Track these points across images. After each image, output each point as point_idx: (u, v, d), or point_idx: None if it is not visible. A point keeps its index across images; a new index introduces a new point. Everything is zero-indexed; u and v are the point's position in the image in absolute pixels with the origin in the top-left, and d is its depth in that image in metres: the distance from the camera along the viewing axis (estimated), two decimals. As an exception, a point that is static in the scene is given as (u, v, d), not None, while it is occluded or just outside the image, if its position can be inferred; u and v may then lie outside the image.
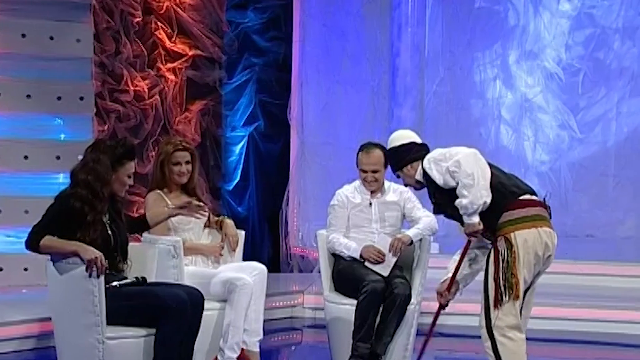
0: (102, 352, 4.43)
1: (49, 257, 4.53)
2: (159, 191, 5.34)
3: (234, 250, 5.43)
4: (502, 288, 4.23)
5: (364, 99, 9.47)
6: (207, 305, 5.06)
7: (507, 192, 4.35)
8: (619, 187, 9.49)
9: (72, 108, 7.73)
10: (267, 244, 9.31)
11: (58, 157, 7.53)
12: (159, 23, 8.59)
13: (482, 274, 4.50)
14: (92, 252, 4.38)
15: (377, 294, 5.29)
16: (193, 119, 8.87)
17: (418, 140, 4.80)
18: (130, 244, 4.80)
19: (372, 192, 5.67)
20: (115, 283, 4.52)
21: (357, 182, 5.72)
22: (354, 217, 5.65)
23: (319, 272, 5.81)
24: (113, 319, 4.47)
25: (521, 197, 4.36)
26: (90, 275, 4.36)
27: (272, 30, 9.35)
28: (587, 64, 9.54)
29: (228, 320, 5.07)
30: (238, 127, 9.32)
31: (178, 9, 8.70)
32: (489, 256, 4.37)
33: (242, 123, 9.32)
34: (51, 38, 7.67)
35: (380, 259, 5.49)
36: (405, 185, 4.87)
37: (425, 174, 4.52)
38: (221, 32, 9.02)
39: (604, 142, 9.55)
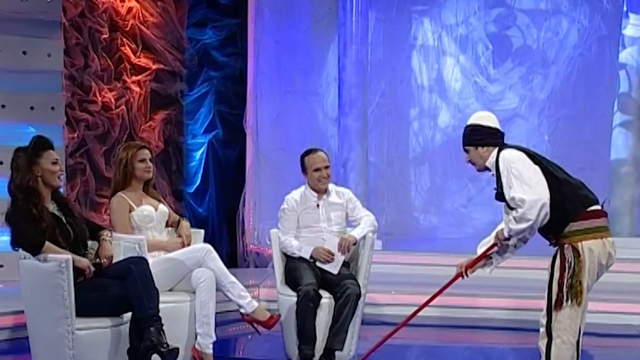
0: (72, 342, 4.42)
1: (22, 255, 4.50)
2: (121, 194, 5.32)
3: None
4: (565, 293, 4.16)
5: (313, 109, 9.54)
6: (176, 297, 5.08)
7: (577, 203, 4.23)
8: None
9: (44, 117, 7.68)
10: (225, 242, 9.29)
11: (31, 164, 7.47)
12: (124, 39, 8.57)
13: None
14: (85, 262, 4.49)
15: (309, 297, 5.31)
16: (157, 128, 8.86)
17: (501, 129, 4.42)
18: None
19: (318, 193, 5.69)
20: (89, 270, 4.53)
21: (303, 187, 5.73)
22: (304, 218, 5.67)
23: (273, 267, 5.82)
24: (82, 310, 4.44)
25: (589, 209, 4.24)
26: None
27: (229, 46, 9.37)
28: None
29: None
30: (198, 135, 9.32)
31: (142, 27, 8.68)
32: (554, 261, 4.24)
33: (202, 131, 9.32)
34: (24, 53, 7.62)
35: (330, 259, 5.54)
36: (468, 161, 4.45)
37: (497, 167, 4.30)
38: (182, 47, 9.03)
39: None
